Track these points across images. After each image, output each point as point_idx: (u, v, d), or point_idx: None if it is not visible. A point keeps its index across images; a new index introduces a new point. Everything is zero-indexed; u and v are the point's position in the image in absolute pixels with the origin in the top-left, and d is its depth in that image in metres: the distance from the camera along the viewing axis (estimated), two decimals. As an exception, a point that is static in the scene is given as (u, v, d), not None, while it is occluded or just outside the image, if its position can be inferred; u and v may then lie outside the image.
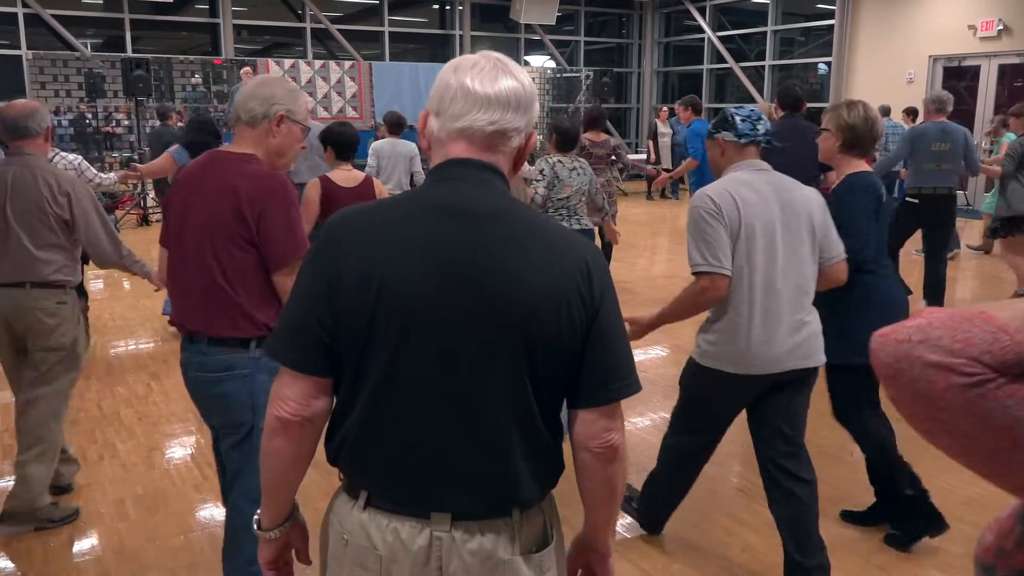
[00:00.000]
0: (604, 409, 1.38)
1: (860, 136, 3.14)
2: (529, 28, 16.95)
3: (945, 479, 3.79)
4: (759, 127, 2.76)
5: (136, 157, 11.05)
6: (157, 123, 10.59)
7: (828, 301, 2.92)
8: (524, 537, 1.39)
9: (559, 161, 5.02)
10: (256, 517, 1.52)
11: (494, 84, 1.36)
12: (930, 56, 13.25)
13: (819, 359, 2.79)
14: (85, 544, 3.25)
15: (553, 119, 5.46)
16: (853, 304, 3.01)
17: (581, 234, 1.94)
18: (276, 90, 2.37)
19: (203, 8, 14.89)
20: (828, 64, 14.96)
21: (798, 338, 2.72)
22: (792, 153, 3.79)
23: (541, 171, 5.05)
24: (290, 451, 1.40)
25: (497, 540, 1.37)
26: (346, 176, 4.08)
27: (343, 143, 4.16)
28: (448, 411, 1.35)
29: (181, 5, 14.75)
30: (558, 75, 17.26)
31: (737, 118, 2.77)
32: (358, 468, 1.41)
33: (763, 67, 16.24)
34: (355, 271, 1.33)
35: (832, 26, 14.66)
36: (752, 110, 2.81)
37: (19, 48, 12.86)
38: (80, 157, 4.41)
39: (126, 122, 13.02)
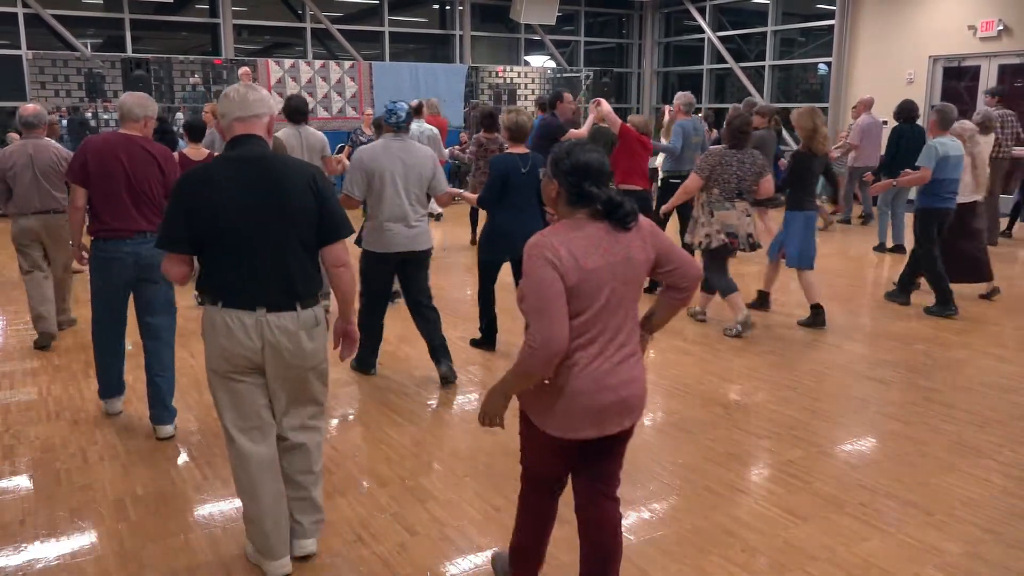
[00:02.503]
0: (338, 243, 2.85)
1: (511, 131, 5.40)
2: (529, 28, 16.94)
3: (946, 479, 3.79)
4: (392, 119, 4.83)
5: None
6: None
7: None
8: (303, 321, 2.82)
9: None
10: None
11: (246, 96, 2.81)
12: (930, 56, 13.25)
13: (426, 245, 4.99)
14: (85, 544, 3.25)
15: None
16: (486, 228, 5.49)
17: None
18: (146, 102, 4.29)
19: (203, 8, 14.88)
20: (828, 64, 14.96)
21: (413, 232, 4.89)
22: (540, 142, 6.62)
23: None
24: (181, 273, 2.85)
25: (289, 320, 2.79)
26: (196, 152, 6.64)
27: (196, 130, 6.86)
28: (263, 253, 2.75)
29: (181, 5, 14.74)
30: (558, 75, 17.25)
31: (385, 111, 4.88)
32: (216, 291, 2.79)
33: (763, 67, 16.24)
34: (204, 200, 2.73)
35: (832, 26, 14.65)
36: (398, 106, 4.87)
37: (19, 48, 12.86)
38: (65, 149, 6.10)
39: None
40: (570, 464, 2.55)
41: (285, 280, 2.76)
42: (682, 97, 8.10)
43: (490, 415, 2.47)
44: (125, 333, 4.46)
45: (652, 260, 2.43)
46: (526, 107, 16.67)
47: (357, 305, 2.94)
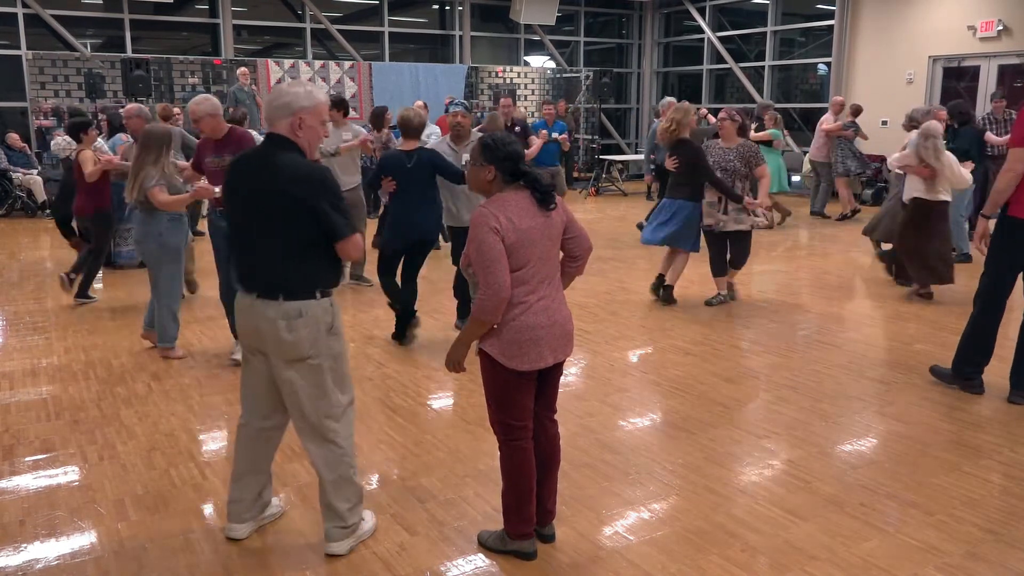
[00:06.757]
0: (339, 242, 2.94)
1: (401, 127, 5.75)
2: (529, 28, 16.93)
3: (946, 479, 3.79)
4: None
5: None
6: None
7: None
8: (283, 311, 2.93)
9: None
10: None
11: (271, 101, 2.97)
12: (930, 56, 13.25)
13: None
14: (85, 544, 3.24)
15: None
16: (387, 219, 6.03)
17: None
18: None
19: (203, 8, 14.88)
20: (828, 64, 14.95)
21: None
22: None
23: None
24: None
25: (272, 308, 2.93)
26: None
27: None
28: (252, 243, 2.97)
29: (181, 5, 14.73)
30: (558, 75, 17.25)
31: None
32: (236, 277, 3.08)
33: (763, 67, 16.24)
34: (226, 185, 3.09)
35: (832, 26, 14.64)
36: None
37: (19, 48, 12.86)
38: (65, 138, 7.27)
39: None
40: (532, 398, 3.04)
41: (268, 272, 2.94)
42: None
43: (454, 361, 2.99)
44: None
45: (564, 224, 3.03)
46: (525, 107, 16.72)
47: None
